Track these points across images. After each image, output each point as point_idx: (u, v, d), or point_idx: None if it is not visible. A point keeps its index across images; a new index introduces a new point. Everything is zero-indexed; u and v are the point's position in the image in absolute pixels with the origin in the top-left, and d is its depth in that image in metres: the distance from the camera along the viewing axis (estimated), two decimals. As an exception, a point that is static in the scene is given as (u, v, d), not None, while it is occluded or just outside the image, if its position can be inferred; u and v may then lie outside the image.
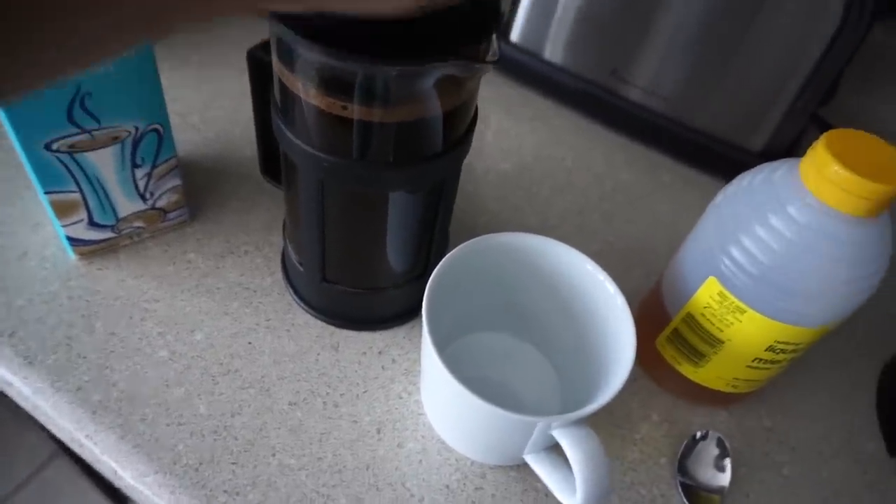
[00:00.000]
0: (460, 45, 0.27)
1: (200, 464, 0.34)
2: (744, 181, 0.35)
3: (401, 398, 0.38)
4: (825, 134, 0.31)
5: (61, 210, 0.37)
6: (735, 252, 0.33)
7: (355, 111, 0.28)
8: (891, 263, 0.48)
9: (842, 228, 0.30)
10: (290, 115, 0.31)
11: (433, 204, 0.35)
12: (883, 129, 0.62)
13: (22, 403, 0.37)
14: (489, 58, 0.28)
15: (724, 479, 0.37)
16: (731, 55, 0.49)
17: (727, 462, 0.38)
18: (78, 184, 0.37)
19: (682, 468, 0.37)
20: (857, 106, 0.62)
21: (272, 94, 0.32)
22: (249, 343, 0.39)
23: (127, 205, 0.40)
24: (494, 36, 0.28)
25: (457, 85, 0.29)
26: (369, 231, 0.35)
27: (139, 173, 0.39)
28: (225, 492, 0.33)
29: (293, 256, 0.39)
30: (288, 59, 0.28)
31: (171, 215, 0.42)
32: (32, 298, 0.39)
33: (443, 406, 0.34)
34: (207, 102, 0.52)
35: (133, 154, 0.37)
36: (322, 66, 0.27)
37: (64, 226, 0.38)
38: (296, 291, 0.41)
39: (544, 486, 0.35)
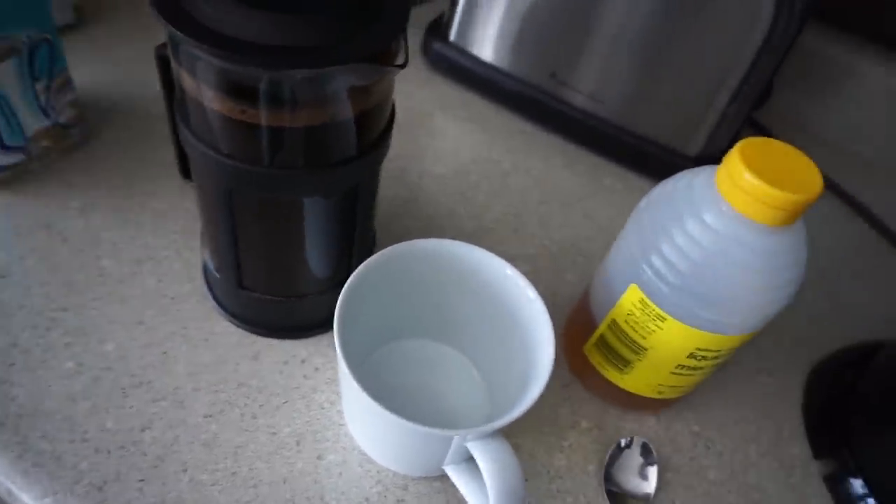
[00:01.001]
0: (367, 47, 0.26)
1: (105, 482, 0.32)
2: (667, 186, 0.34)
3: (323, 408, 0.37)
4: (740, 142, 0.30)
5: None
6: (655, 259, 0.33)
7: (261, 116, 0.27)
8: (815, 271, 0.48)
9: (755, 237, 0.30)
10: (193, 119, 0.29)
11: (350, 209, 0.34)
12: (815, 130, 0.64)
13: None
14: (397, 61, 0.27)
15: (650, 486, 0.37)
16: (668, 60, 0.49)
17: (653, 469, 0.37)
18: None
19: (609, 476, 0.37)
20: (793, 108, 0.63)
21: (175, 97, 0.31)
22: (164, 353, 0.37)
23: (32, 122, 0.41)
24: (403, 37, 0.27)
25: (364, 87, 0.28)
26: (285, 237, 0.34)
27: (39, 87, 0.40)
28: (130, 511, 0.31)
29: (209, 262, 0.37)
30: (185, 59, 0.27)
31: (73, 132, 0.44)
32: (-71, 308, 0.36)
33: (361, 419, 0.33)
34: (132, 101, 0.50)
35: (31, 67, 0.39)
36: (219, 70, 0.26)
37: None
38: (215, 298, 0.39)
39: (467, 498, 0.35)
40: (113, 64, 0.53)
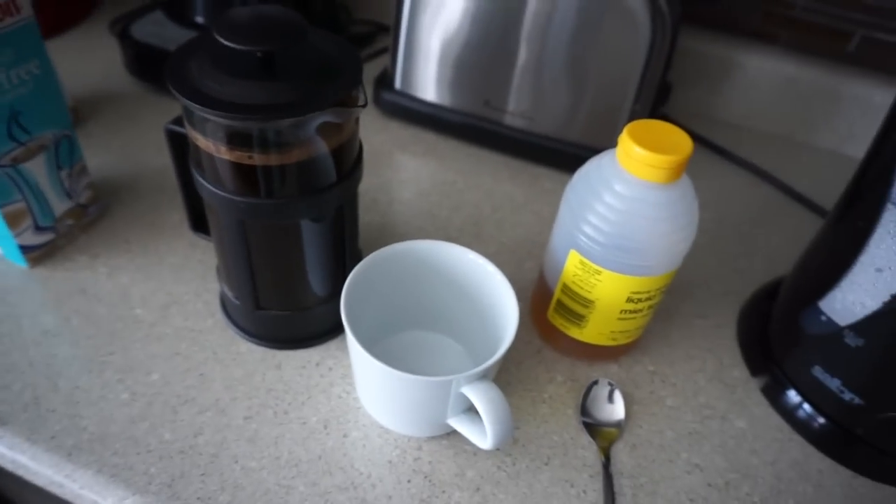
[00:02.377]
0: (333, 95, 0.35)
1: (172, 480, 0.39)
2: (582, 170, 0.43)
3: (340, 397, 0.44)
4: (628, 125, 0.40)
5: (12, 220, 0.46)
6: (584, 227, 0.41)
7: (259, 159, 0.35)
8: (732, 231, 0.58)
9: (652, 194, 0.39)
10: (207, 170, 0.38)
11: (339, 228, 0.42)
12: (714, 115, 0.74)
13: (0, 462, 0.41)
14: (359, 103, 0.36)
15: (619, 412, 0.45)
16: (578, 75, 0.59)
17: (617, 394, 0.45)
18: (22, 192, 0.46)
19: (584, 411, 0.45)
20: (693, 100, 0.74)
21: (190, 156, 0.39)
22: (201, 374, 0.44)
23: (59, 204, 0.49)
24: (360, 85, 0.36)
25: (337, 127, 0.36)
26: (289, 258, 0.42)
27: (62, 174, 0.49)
28: (199, 499, 0.38)
29: (228, 293, 0.45)
30: (199, 125, 0.35)
31: (91, 209, 0.53)
32: (-3, 370, 0.43)
33: (374, 391, 0.40)
34: (134, 178, 0.58)
35: (57, 158, 0.48)
36: (226, 127, 0.34)
37: (16, 235, 0.47)
38: (236, 324, 0.47)
39: (472, 447, 0.42)
40: (110, 152, 0.61)
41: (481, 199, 0.61)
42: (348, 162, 0.40)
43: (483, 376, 0.37)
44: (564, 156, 0.64)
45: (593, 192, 0.41)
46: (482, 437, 0.38)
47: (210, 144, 0.36)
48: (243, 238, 0.40)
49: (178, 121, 0.41)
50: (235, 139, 0.35)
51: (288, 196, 0.38)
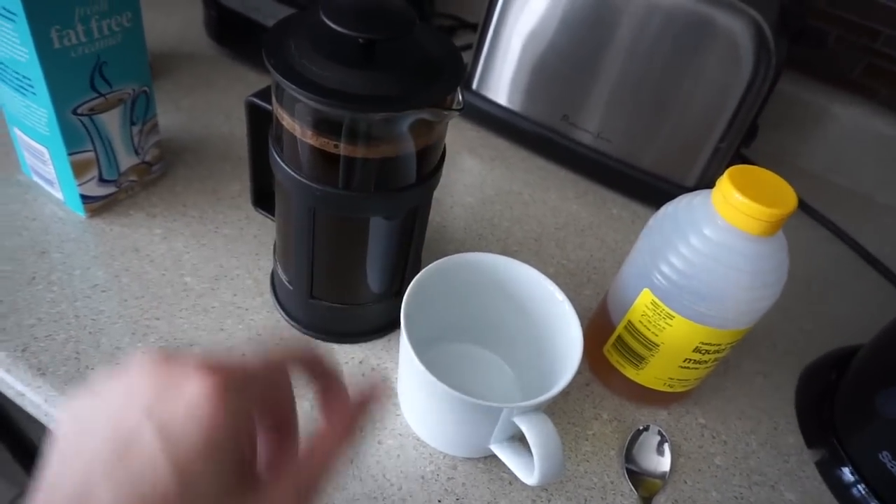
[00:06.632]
0: (432, 95, 0.33)
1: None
2: (670, 207, 0.41)
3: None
4: (729, 168, 0.37)
5: (79, 169, 0.45)
6: (663, 266, 0.39)
7: (344, 149, 0.34)
8: (802, 288, 0.55)
9: (744, 245, 0.37)
10: (287, 151, 0.36)
11: (408, 229, 0.41)
12: (796, 163, 0.71)
13: (34, 412, 0.40)
14: (455, 106, 0.34)
15: (665, 464, 0.43)
16: (666, 103, 0.57)
17: (666, 448, 0.43)
18: (93, 143, 0.45)
19: (629, 457, 0.43)
20: (777, 144, 0.70)
21: (271, 133, 0.38)
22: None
23: (126, 159, 0.48)
24: (459, 88, 0.35)
25: (428, 128, 0.35)
26: (352, 252, 0.40)
27: (134, 130, 0.48)
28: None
29: (282, 276, 0.44)
30: (288, 105, 0.34)
31: (155, 168, 0.52)
32: (42, 318, 0.42)
33: (418, 402, 0.39)
34: (200, 142, 0.57)
35: (131, 113, 0.47)
36: (317, 112, 0.33)
37: (80, 184, 0.46)
38: (284, 309, 0.46)
39: (509, 475, 0.40)
40: (179, 112, 0.60)
41: (546, 214, 0.59)
42: (431, 164, 0.38)
43: (538, 408, 0.35)
44: (637, 183, 0.62)
45: (679, 232, 0.39)
46: (527, 470, 0.37)
47: (296, 126, 0.34)
48: (310, 225, 0.38)
49: (261, 94, 0.39)
50: (323, 125, 0.33)
51: (365, 191, 0.36)
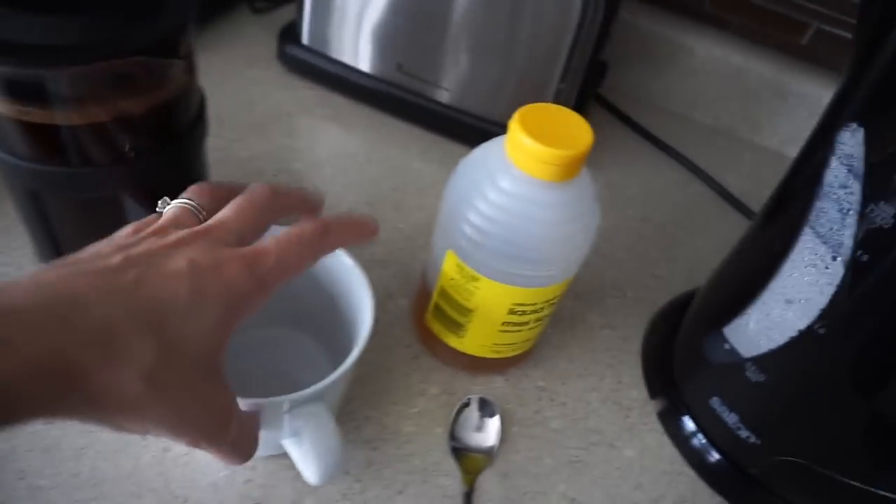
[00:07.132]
0: (150, 43, 0.28)
1: None
2: (469, 158, 0.37)
3: (170, 402, 0.38)
4: (520, 109, 0.33)
5: None
6: (464, 226, 0.35)
7: (38, 115, 0.28)
8: (655, 231, 0.52)
9: (543, 194, 0.33)
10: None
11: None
12: (653, 100, 0.68)
13: None
14: (182, 54, 0.29)
15: (490, 439, 0.40)
16: (502, 46, 0.52)
17: (492, 421, 0.40)
18: None
19: (453, 434, 0.39)
20: (632, 82, 0.67)
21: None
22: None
23: None
24: (188, 28, 0.29)
25: (149, 82, 0.29)
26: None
27: None
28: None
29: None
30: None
31: None
32: None
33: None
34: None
35: None
36: (-7, 72, 0.27)
37: None
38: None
39: (316, 469, 0.36)
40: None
41: (383, 175, 0.55)
42: (179, 124, 0.32)
43: (317, 398, 0.31)
44: (482, 134, 0.56)
45: (476, 186, 0.35)
46: (309, 468, 0.33)
47: (-21, 94, 0.28)
48: (41, 214, 0.32)
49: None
50: (6, 88, 0.27)
51: (92, 164, 0.30)
